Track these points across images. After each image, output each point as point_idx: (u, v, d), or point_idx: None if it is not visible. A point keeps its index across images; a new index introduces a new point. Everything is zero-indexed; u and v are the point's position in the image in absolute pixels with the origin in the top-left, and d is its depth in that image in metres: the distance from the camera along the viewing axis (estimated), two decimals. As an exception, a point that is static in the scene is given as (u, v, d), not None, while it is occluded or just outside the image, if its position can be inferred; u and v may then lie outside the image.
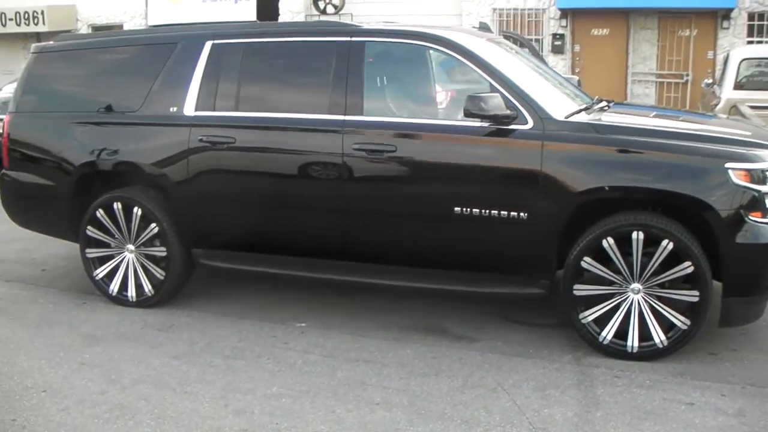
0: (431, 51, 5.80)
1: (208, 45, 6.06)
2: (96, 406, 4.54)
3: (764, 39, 17.83)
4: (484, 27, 7.03)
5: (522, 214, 5.12)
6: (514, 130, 5.17)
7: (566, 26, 19.41)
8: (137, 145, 6.19)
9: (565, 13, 19.24)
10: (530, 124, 5.15)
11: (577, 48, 19.41)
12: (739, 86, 11.94)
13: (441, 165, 5.39)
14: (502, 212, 5.17)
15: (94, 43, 6.94)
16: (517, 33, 16.33)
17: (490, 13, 19.63)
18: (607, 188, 4.99)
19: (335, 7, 21.09)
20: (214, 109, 5.94)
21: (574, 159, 5.06)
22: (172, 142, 6.01)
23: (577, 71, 18.18)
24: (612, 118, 5.63)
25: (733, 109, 10.41)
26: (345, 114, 5.52)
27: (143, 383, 4.84)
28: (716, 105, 11.67)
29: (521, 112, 5.18)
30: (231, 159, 5.89)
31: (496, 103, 5.10)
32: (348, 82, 5.56)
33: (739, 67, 12.01)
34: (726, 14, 18.10)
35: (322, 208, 5.66)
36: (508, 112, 5.14)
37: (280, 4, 21.73)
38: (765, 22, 18.00)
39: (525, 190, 5.15)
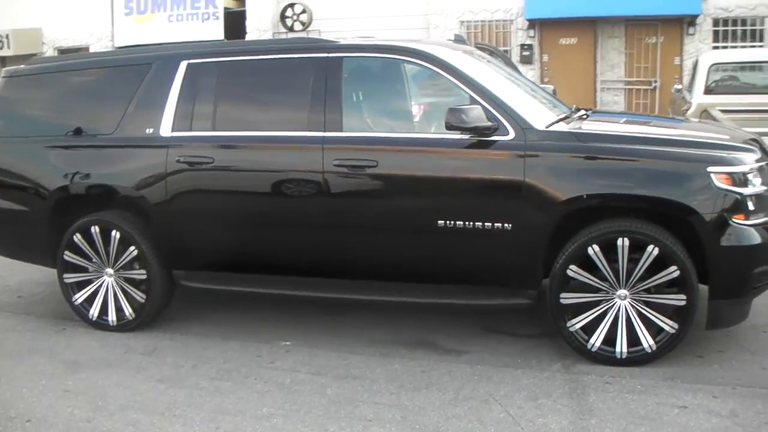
0: (409, 65, 5.80)
1: (184, 65, 6.00)
2: (83, 434, 4.46)
3: (729, 44, 18.09)
4: (459, 39, 7.03)
5: (506, 225, 5.11)
6: (495, 141, 5.17)
7: (534, 36, 19.57)
8: (113, 167, 6.11)
9: (532, 23, 19.40)
10: (511, 134, 5.15)
11: (545, 58, 19.57)
12: (708, 91, 12.10)
13: (423, 178, 5.36)
14: (486, 224, 5.14)
15: (67, 65, 6.85)
16: (491, 44, 16.40)
17: (457, 25, 19.74)
18: (585, 196, 4.99)
19: (303, 23, 21.10)
20: (191, 130, 5.88)
21: (558, 168, 5.06)
22: (149, 164, 5.94)
23: (546, 80, 18.31)
24: (592, 126, 5.63)
25: (704, 114, 10.53)
26: (324, 130, 5.49)
27: (130, 409, 4.76)
28: (687, 110, 11.80)
29: (502, 123, 5.17)
30: (210, 179, 5.83)
31: (476, 115, 5.09)
32: (326, 98, 5.53)
33: (708, 72, 12.16)
34: (691, 21, 18.34)
35: (304, 226, 5.61)
36: (489, 123, 5.13)
37: (248, 23, 21.71)
38: (729, 28, 18.27)
39: (509, 200, 5.14)
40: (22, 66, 6.97)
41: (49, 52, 23.15)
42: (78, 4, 22.72)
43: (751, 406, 4.46)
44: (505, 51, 18.59)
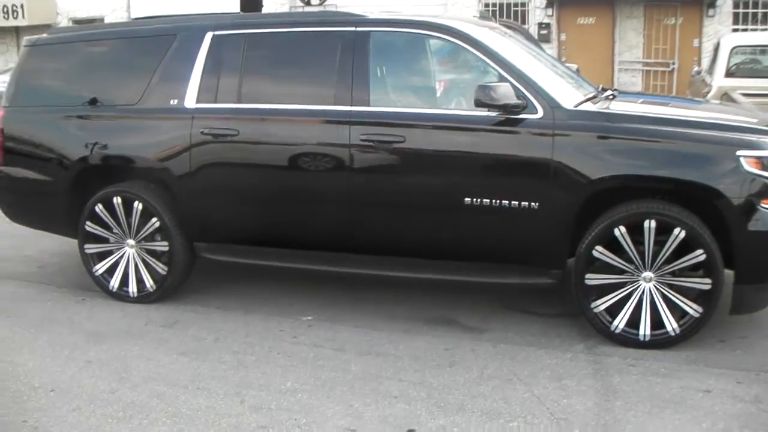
0: (433, 40, 5.75)
1: (209, 36, 5.96)
2: (108, 405, 4.46)
3: (749, 27, 17.93)
4: (484, 16, 6.98)
5: (533, 204, 5.08)
6: (524, 119, 5.13)
7: (552, 15, 19.46)
8: (136, 138, 6.09)
9: (550, 2, 19.29)
10: (540, 113, 5.11)
11: (563, 37, 19.45)
12: (729, 74, 11.99)
13: (450, 155, 5.33)
14: (513, 202, 5.12)
15: (90, 35, 6.81)
16: (515, 22, 16.30)
17: (475, 2, 19.59)
18: (608, 177, 4.95)
19: (320, -2, 20.99)
20: (216, 101, 5.85)
21: (587, 148, 5.02)
22: (173, 136, 5.92)
23: (563, 60, 18.19)
24: (621, 106, 5.59)
25: (725, 97, 10.45)
26: (351, 104, 5.46)
27: (154, 381, 4.77)
28: (707, 93, 11.70)
29: (531, 101, 5.13)
30: (234, 151, 5.81)
31: (505, 92, 5.05)
32: (354, 73, 5.49)
33: (730, 55, 12.05)
34: (711, 2, 18.20)
35: (329, 200, 5.59)
36: (517, 101, 5.09)
37: (264, -4, 21.56)
38: (750, 10, 18.09)
39: (536, 179, 5.11)
40: (44, 35, 6.94)
41: (64, 22, 23.10)
42: (93, -26, 22.68)
43: (776, 392, 4.45)
44: (523, 29, 18.50)
